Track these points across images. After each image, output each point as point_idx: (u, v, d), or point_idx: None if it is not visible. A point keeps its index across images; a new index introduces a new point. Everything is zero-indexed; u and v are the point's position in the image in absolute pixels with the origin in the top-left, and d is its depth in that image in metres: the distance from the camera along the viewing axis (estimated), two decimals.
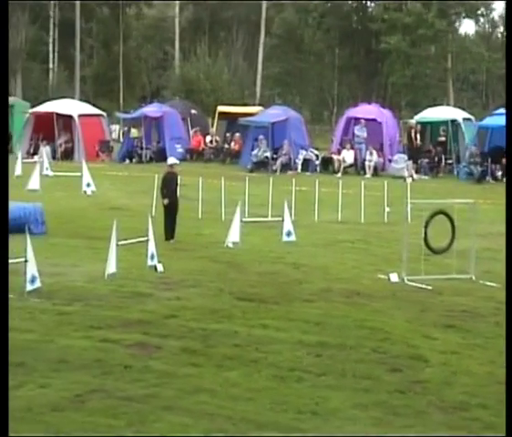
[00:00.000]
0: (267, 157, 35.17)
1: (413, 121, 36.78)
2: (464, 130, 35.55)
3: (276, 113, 37.63)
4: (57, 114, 37.91)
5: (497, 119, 33.54)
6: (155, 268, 14.96)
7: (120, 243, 14.59)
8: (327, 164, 35.23)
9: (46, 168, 30.45)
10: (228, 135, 39.81)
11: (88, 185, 26.48)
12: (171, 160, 19.02)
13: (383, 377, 9.57)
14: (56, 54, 70.20)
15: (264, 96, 63.55)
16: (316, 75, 68.33)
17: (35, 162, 30.14)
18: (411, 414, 8.52)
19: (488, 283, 14.44)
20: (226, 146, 39.20)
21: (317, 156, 35.68)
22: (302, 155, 35.25)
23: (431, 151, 35.36)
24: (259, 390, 9.07)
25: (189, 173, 26.75)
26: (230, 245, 17.51)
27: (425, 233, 16.29)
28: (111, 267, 14.18)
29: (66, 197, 25.23)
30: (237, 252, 16.95)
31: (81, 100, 51.16)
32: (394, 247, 17.29)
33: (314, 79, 68.85)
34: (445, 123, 35.69)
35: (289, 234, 18.32)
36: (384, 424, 8.26)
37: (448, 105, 54.05)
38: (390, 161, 34.87)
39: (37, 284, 13.04)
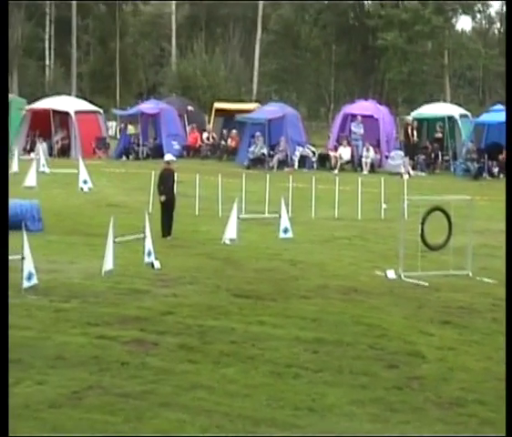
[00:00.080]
0: (264, 154, 35.17)
1: (409, 117, 36.77)
2: (460, 127, 35.55)
3: (273, 110, 37.64)
4: (54, 110, 37.88)
5: (494, 116, 33.58)
6: (152, 264, 14.96)
7: (117, 240, 14.58)
8: (324, 160, 35.23)
9: (43, 165, 30.44)
10: (224, 131, 39.79)
11: (85, 182, 26.46)
12: (168, 157, 19.03)
13: (379, 373, 9.59)
14: (52, 50, 70.10)
15: (261, 93, 63.48)
16: (313, 71, 68.30)
17: (31, 159, 30.15)
18: (408, 410, 8.54)
19: (485, 279, 14.46)
20: (223, 142, 39.19)
21: (314, 152, 35.68)
22: (299, 151, 35.26)
23: (428, 148, 35.36)
24: (256, 386, 9.08)
25: (186, 170, 26.74)
26: (227, 242, 17.52)
27: (422, 230, 16.30)
28: (108, 264, 14.18)
29: (62, 194, 25.23)
30: (234, 249, 16.95)
31: (78, 97, 51.04)
32: (391, 243, 17.29)
33: (311, 76, 68.83)
34: (441, 119, 35.71)
35: (286, 231, 18.33)
36: (381, 420, 8.27)
37: (445, 101, 54.03)
38: (387, 158, 34.88)
39: (34, 281, 13.04)
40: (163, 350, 10.27)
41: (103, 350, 10.21)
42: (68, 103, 40.30)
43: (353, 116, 36.16)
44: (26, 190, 24.51)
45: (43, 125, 37.71)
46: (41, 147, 35.67)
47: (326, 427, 8.10)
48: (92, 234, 17.82)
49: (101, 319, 11.53)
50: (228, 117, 40.64)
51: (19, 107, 40.00)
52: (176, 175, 18.65)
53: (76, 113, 38.19)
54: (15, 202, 18.11)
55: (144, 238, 15.08)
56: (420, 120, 36.61)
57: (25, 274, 12.86)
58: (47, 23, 69.37)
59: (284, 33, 67.74)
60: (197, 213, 21.20)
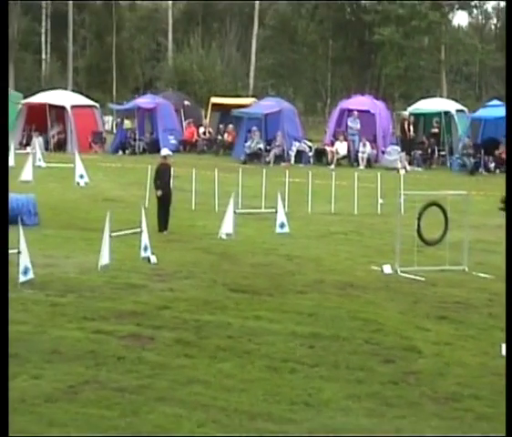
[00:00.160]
0: (260, 149, 35.16)
1: (406, 113, 36.83)
2: (457, 122, 35.58)
3: (269, 104, 37.63)
4: (50, 105, 37.84)
5: (490, 111, 33.63)
6: (148, 259, 14.95)
7: (113, 234, 14.57)
8: (320, 155, 35.24)
9: (39, 160, 30.41)
10: (221, 126, 39.78)
11: (81, 176, 26.43)
12: (165, 152, 19.02)
13: (376, 368, 9.59)
14: (48, 44, 70.02)
15: (257, 88, 63.44)
16: (309, 66, 68.23)
17: (27, 153, 30.09)
18: (404, 405, 8.54)
19: (481, 275, 14.47)
20: (219, 137, 39.18)
21: (310, 147, 35.69)
22: (296, 146, 35.26)
23: (424, 143, 35.40)
24: (252, 381, 9.08)
25: (183, 164, 26.73)
26: (224, 236, 17.51)
27: (418, 225, 16.32)
28: (104, 258, 14.17)
29: (58, 188, 25.21)
30: (230, 244, 16.95)
31: (74, 91, 51.04)
32: (388, 238, 17.31)
33: (308, 71, 68.76)
34: (438, 115, 35.73)
35: (282, 226, 18.32)
36: (377, 415, 8.27)
37: (441, 96, 54.03)
38: (383, 153, 34.89)
39: (30, 275, 13.03)
40: (159, 345, 10.27)
41: (99, 344, 10.21)
42: (64, 97, 40.25)
43: (350, 112, 36.18)
44: (22, 184, 24.47)
45: (39, 119, 37.67)
46: (37, 141, 35.62)
47: (322, 421, 8.11)
48: (88, 228, 17.80)
49: (97, 313, 11.52)
50: (224, 112, 40.66)
51: (15, 102, 39.86)
52: (172, 169, 18.63)
53: (73, 107, 38.14)
54: (11, 196, 18.03)
55: (140, 232, 15.06)
56: (417, 115, 36.65)
57: (22, 268, 12.85)
58: (44, 17, 69.29)
59: (281, 28, 67.68)
60: (193, 208, 21.19)
